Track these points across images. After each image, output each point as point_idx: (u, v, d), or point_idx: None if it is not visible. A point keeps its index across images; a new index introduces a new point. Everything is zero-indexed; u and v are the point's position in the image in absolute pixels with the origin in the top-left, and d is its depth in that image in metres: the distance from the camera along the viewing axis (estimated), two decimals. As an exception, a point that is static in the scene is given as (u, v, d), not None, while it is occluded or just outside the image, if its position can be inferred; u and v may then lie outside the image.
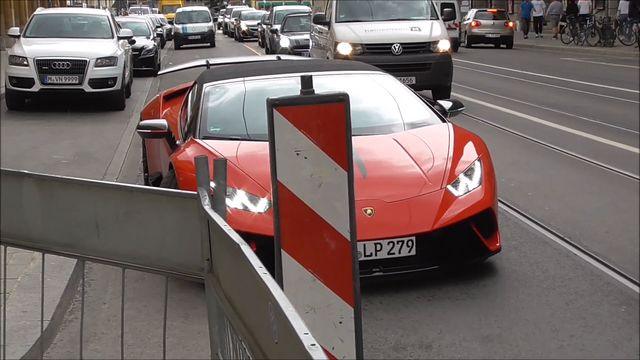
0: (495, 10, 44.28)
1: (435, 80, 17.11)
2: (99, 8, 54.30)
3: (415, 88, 16.63)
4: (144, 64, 26.69)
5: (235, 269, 2.55)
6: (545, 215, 8.46)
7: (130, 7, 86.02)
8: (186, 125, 8.06)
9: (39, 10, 22.10)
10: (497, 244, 6.74)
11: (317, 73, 7.66)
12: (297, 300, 3.87)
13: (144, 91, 21.55)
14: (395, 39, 17.18)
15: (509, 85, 21.65)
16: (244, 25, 55.75)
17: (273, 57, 11.42)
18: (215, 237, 2.92)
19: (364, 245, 6.15)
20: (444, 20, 18.66)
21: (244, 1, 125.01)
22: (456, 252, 6.60)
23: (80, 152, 12.70)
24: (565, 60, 30.45)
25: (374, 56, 16.72)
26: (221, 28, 71.53)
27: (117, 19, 28.45)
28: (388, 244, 6.26)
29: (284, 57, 10.69)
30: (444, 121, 7.86)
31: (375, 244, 6.23)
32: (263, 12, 60.38)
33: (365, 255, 6.18)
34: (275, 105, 3.81)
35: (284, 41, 28.07)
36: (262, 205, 6.43)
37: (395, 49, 17.04)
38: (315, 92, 3.89)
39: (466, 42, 40.92)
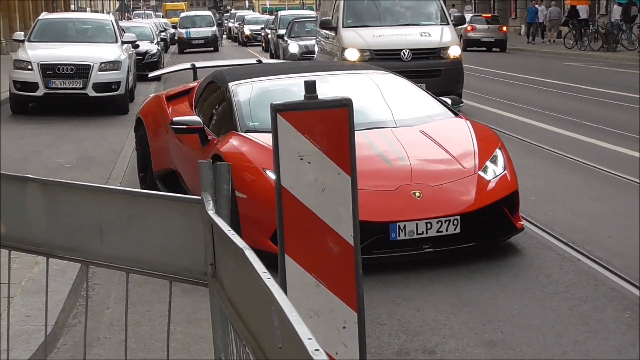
0: (489, 15, 46.40)
1: (446, 87, 16.42)
2: (103, 12, 54.41)
3: None
4: (147, 68, 26.69)
5: (239, 273, 2.55)
6: (548, 220, 8.45)
7: (134, 12, 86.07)
8: (214, 120, 8.57)
9: (43, 15, 22.14)
10: (521, 222, 7.56)
11: (325, 73, 8.87)
12: (301, 305, 3.88)
13: (148, 95, 21.54)
14: (405, 44, 16.79)
15: (511, 90, 21.65)
16: (247, 30, 55.84)
17: (253, 60, 11.90)
18: (219, 242, 2.93)
19: (417, 224, 6.86)
20: (455, 25, 18.22)
21: (247, 6, 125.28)
22: (492, 231, 7.30)
23: (84, 156, 12.71)
24: (568, 65, 30.44)
25: (383, 62, 16.09)
26: (225, 32, 71.41)
27: (121, 23, 28.49)
28: (437, 222, 6.92)
29: (265, 60, 11.38)
30: (456, 115, 8.56)
31: (426, 222, 6.89)
32: (266, 16, 60.44)
33: (417, 234, 6.87)
34: (279, 110, 3.81)
35: (293, 47, 27.54)
36: None
37: (404, 55, 16.64)
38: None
39: (462, 46, 41.21)
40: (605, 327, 5.76)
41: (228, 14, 61.84)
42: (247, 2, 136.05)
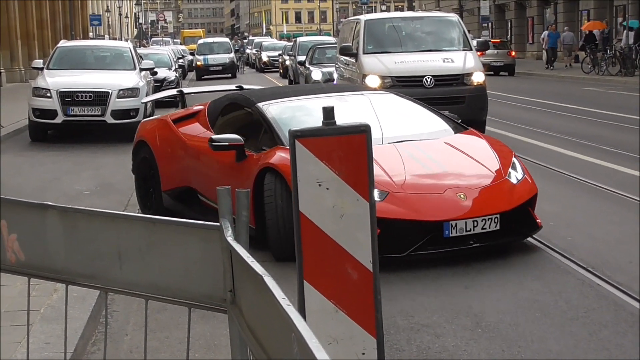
0: (498, 40, 47.17)
1: (469, 114, 15.73)
2: (121, 40, 54.74)
3: None
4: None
5: (259, 300, 2.55)
6: (567, 245, 8.42)
7: (152, 39, 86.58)
8: (246, 138, 8.91)
9: (62, 43, 22.30)
10: (539, 221, 8.39)
11: (342, 94, 9.91)
12: (320, 331, 3.87)
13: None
14: (427, 71, 16.29)
15: (529, 115, 21.62)
16: (265, 56, 55.95)
17: (233, 86, 12.47)
18: (238, 268, 2.93)
19: (465, 222, 7.78)
20: (478, 50, 17.75)
21: (264, 32, 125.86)
22: (522, 228, 8.27)
23: (103, 183, 12.75)
24: (586, 90, 30.39)
25: (405, 89, 15.30)
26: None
27: (139, 50, 28.63)
28: (482, 220, 7.84)
29: (245, 86, 11.99)
30: (466, 129, 9.60)
31: (473, 221, 7.81)
32: (284, 43, 60.57)
33: (466, 231, 7.77)
34: (297, 136, 3.82)
35: (316, 74, 26.84)
36: (375, 195, 7.23)
37: (427, 81, 16.11)
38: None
39: None
40: (626, 352, 5.72)
41: (246, 41, 61.68)
42: (264, 28, 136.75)
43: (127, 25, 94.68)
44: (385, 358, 4.05)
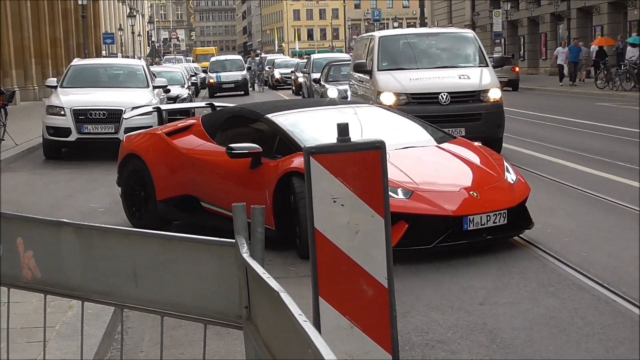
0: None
1: (486, 131, 15.90)
2: (134, 58, 54.92)
3: None
4: (178, 112, 26.84)
5: (275, 316, 2.55)
6: (582, 261, 8.39)
7: (165, 57, 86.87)
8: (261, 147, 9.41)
9: (76, 61, 22.40)
10: (532, 218, 9.29)
11: (321, 108, 10.73)
12: (335, 348, 3.85)
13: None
14: (443, 87, 16.11)
15: (542, 130, 21.58)
16: (277, 74, 55.98)
17: (203, 103, 13.52)
18: (253, 285, 2.93)
19: (480, 217, 8.65)
20: (494, 67, 17.60)
21: (276, 49, 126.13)
22: (521, 223, 9.14)
23: (116, 201, 12.74)
24: (600, 105, 30.33)
25: (420, 106, 15.72)
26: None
27: (152, 68, 28.72)
28: (494, 215, 8.73)
29: (216, 103, 12.67)
30: (454, 137, 10.53)
31: (487, 216, 8.68)
32: (296, 60, 60.57)
33: (481, 225, 8.64)
34: (311, 153, 3.82)
35: (332, 91, 26.15)
36: (401, 194, 8.58)
37: (442, 98, 15.95)
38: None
39: None
40: (643, 369, 5.69)
41: (258, 58, 61.23)
42: (276, 45, 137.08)
43: (140, 43, 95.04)
44: (400, 375, 4.04)
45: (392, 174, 7.85)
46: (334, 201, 3.84)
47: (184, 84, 32.44)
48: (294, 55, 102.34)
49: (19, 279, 3.81)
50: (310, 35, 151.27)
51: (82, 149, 18.26)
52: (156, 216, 10.55)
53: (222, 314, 3.24)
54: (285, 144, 9.47)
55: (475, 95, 16.26)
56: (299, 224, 8.67)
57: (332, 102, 12.65)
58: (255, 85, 54.26)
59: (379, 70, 16.97)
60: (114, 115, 17.82)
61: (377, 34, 19.31)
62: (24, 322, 6.38)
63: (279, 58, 67.38)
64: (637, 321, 6.65)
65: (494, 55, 19.92)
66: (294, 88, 45.48)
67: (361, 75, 18.13)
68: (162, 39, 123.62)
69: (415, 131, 10.37)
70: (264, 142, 9.55)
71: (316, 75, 30.88)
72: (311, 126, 9.81)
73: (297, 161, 8.85)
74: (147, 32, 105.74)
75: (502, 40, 60.25)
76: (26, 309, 6.60)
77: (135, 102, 18.17)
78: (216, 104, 12.54)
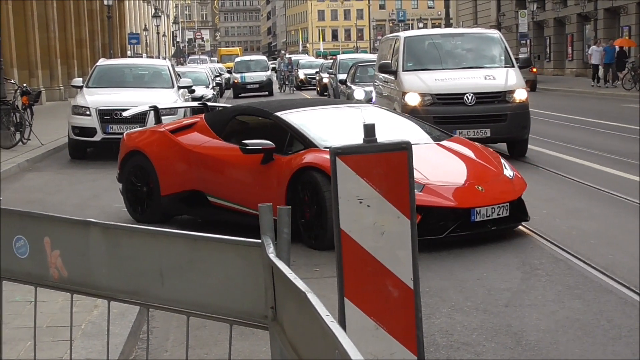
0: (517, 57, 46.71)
1: (511, 132, 15.96)
2: (159, 58, 55.08)
3: (490, 141, 16.15)
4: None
5: (301, 317, 2.55)
6: (608, 263, 8.34)
7: (189, 57, 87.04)
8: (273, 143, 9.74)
9: (101, 61, 22.49)
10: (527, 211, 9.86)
11: (323, 107, 11.13)
12: (360, 349, 3.84)
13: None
14: (468, 88, 16.02)
15: (568, 132, 21.48)
16: (302, 74, 55.89)
17: (195, 103, 14.54)
18: (279, 285, 2.93)
19: (486, 209, 9.19)
20: (520, 67, 17.45)
21: (300, 50, 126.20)
22: (520, 215, 9.67)
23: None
24: (626, 107, 30.14)
25: (445, 107, 15.81)
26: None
27: (177, 68, 28.79)
28: (498, 208, 9.28)
29: (209, 103, 13.13)
30: (451, 136, 10.93)
31: (491, 208, 9.23)
32: (321, 60, 60.45)
33: (487, 216, 9.18)
34: (338, 153, 3.82)
35: (359, 93, 25.61)
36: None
37: (468, 99, 15.86)
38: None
39: None
40: (670, 372, 5.65)
41: (286, 59, 60.96)
42: (300, 46, 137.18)
43: (165, 44, 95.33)
44: (426, 376, 4.03)
45: None
46: (360, 202, 3.83)
47: (209, 84, 32.53)
48: (318, 55, 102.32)
49: (46, 278, 3.83)
50: (334, 36, 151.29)
51: (107, 149, 18.32)
52: (159, 211, 10.86)
53: (248, 314, 3.25)
54: (296, 140, 9.89)
55: (501, 96, 16.17)
56: (324, 215, 9.02)
57: (334, 102, 13.25)
58: (286, 87, 53.55)
59: (404, 70, 16.91)
60: (139, 115, 17.85)
61: (403, 34, 19.24)
62: (50, 321, 6.42)
63: (303, 58, 67.32)
64: (664, 324, 6.60)
65: (520, 56, 19.66)
66: (318, 89, 45.28)
67: (386, 75, 18.09)
68: (186, 40, 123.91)
69: (413, 130, 10.75)
70: (273, 139, 9.84)
71: (342, 76, 30.37)
72: (318, 124, 10.22)
73: (310, 156, 9.42)
74: (172, 32, 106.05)
75: (528, 41, 59.97)
76: (52, 308, 6.64)
77: (160, 102, 18.18)
78: (209, 104, 13.08)
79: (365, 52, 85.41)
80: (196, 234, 3.48)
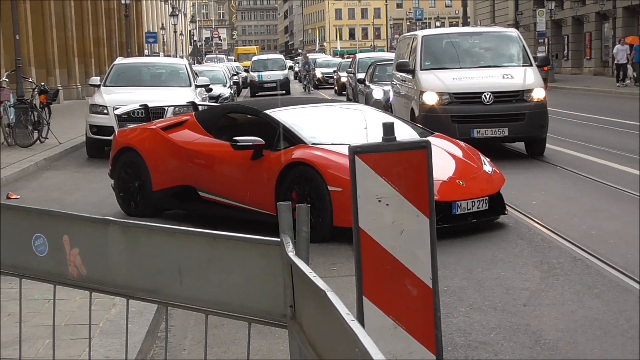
0: None
1: (529, 131, 15.89)
2: (177, 57, 55.16)
3: (508, 140, 16.10)
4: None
5: (321, 315, 2.55)
6: (627, 262, 8.30)
7: (206, 56, 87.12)
8: (262, 138, 10.14)
9: (119, 60, 22.53)
10: (506, 204, 10.48)
11: (311, 105, 11.57)
12: (379, 348, 3.84)
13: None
14: (486, 87, 15.97)
15: (587, 131, 21.38)
16: (319, 73, 55.80)
17: (184, 101, 15.28)
18: (299, 284, 2.92)
19: (467, 202, 9.67)
20: (538, 66, 17.40)
21: (317, 49, 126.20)
22: (498, 208, 10.17)
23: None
24: (644, 106, 29.95)
25: (463, 106, 15.77)
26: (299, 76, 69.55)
27: (195, 67, 28.81)
28: (478, 201, 9.77)
29: (199, 103, 14.09)
30: (432, 134, 11.31)
31: (472, 202, 9.71)
32: (338, 59, 60.37)
33: (467, 210, 9.67)
34: (357, 152, 3.81)
35: (378, 92, 25.54)
36: None
37: (485, 98, 15.80)
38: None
39: None
40: (689, 372, 5.61)
41: (298, 58, 60.83)
42: (317, 45, 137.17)
43: (182, 43, 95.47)
44: (444, 375, 4.01)
45: None
46: (379, 200, 3.82)
47: (226, 83, 32.53)
48: (335, 54, 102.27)
49: (65, 277, 3.83)
50: (352, 35, 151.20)
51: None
52: (150, 206, 11.23)
53: (267, 312, 3.25)
54: (285, 137, 10.21)
55: (519, 95, 16.11)
56: (324, 207, 9.41)
57: (321, 101, 13.80)
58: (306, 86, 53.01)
59: (421, 69, 16.86)
60: (156, 114, 17.84)
61: (420, 33, 19.21)
62: (68, 319, 6.43)
63: (320, 57, 67.28)
64: (684, 324, 6.57)
65: (538, 55, 19.55)
66: (336, 88, 45.14)
67: (404, 74, 18.06)
68: (204, 38, 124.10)
69: (399, 127, 10.95)
70: (263, 135, 10.20)
71: (361, 76, 30.04)
72: (306, 121, 10.61)
73: (299, 152, 9.85)
74: (189, 31, 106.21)
75: (546, 39, 59.73)
76: (70, 306, 6.65)
77: (177, 101, 18.23)
78: (198, 103, 13.69)
79: (383, 50, 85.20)
80: (215, 233, 3.48)
